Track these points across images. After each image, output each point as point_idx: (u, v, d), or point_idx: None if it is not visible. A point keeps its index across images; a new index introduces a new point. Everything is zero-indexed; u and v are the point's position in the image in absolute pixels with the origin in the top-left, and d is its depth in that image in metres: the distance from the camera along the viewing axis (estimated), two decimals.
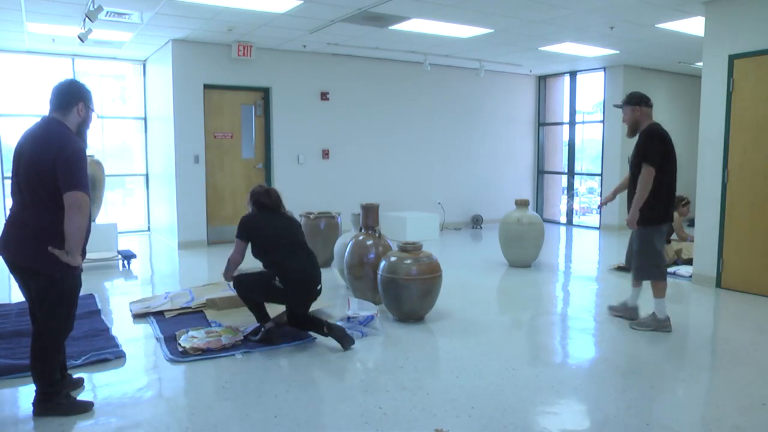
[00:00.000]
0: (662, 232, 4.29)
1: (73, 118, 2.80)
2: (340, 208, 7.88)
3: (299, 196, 8.51)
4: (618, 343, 4.01)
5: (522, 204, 6.61)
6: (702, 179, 5.71)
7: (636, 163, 4.15)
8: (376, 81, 9.11)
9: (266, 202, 4.06)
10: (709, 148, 5.64)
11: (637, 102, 4.33)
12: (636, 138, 4.29)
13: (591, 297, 5.51)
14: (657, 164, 4.04)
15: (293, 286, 3.78)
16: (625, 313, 4.49)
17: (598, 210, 4.64)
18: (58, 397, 2.83)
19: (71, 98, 2.80)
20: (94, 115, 2.93)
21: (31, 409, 2.82)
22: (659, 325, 4.20)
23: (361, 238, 4.88)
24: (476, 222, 9.99)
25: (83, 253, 2.81)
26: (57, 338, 2.85)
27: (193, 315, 4.55)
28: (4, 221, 2.80)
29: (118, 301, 5.19)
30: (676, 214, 7.09)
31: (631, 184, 4.22)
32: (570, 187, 10.60)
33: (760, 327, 4.39)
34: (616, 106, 4.61)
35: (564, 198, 10.86)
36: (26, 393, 3.15)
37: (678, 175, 4.22)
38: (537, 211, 10.44)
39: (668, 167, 4.11)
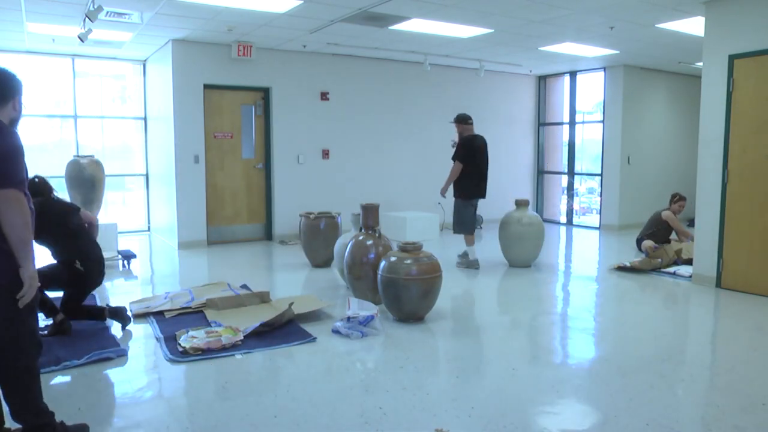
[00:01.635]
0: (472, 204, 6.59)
1: (6, 113, 2.52)
2: (340, 208, 7.88)
3: (299, 196, 8.52)
4: (618, 343, 4.01)
5: (522, 204, 6.61)
6: (702, 179, 5.71)
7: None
8: (376, 81, 9.11)
9: (39, 189, 3.97)
10: (709, 148, 5.64)
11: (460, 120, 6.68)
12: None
13: (591, 297, 5.51)
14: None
15: (93, 268, 4.06)
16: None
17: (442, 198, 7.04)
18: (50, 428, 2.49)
19: (8, 92, 2.50)
20: (23, 108, 2.66)
21: None
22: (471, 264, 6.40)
23: (361, 238, 4.88)
24: (476, 222, 9.96)
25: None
26: (27, 360, 2.41)
27: (193, 315, 4.55)
28: None
29: (118, 301, 5.18)
30: (669, 212, 7.11)
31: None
32: (570, 187, 10.60)
33: (760, 327, 4.39)
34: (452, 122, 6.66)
35: (564, 198, 10.86)
36: None
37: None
38: (537, 211, 10.43)
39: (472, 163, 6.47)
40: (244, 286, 5.38)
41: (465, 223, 6.53)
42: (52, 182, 4.23)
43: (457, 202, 6.59)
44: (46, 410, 2.51)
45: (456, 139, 6.65)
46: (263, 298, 4.87)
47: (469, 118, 6.60)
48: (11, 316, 2.33)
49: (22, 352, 2.39)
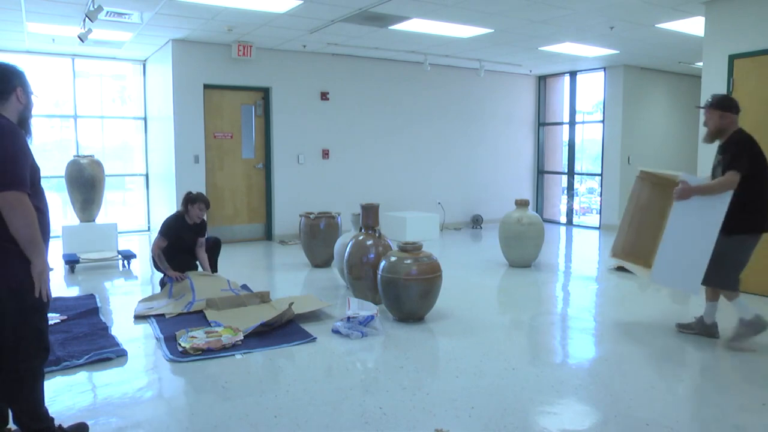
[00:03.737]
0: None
1: (12, 107, 2.38)
2: (340, 208, 7.89)
3: (299, 196, 8.52)
4: (618, 344, 4.01)
5: (522, 204, 6.61)
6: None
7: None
8: (376, 81, 9.11)
9: None
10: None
11: (727, 107, 3.95)
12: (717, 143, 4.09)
13: (591, 297, 5.51)
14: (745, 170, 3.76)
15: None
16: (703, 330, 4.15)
17: None
18: None
19: (6, 84, 2.36)
20: (34, 99, 2.50)
21: None
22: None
23: (361, 238, 4.88)
24: (476, 222, 9.99)
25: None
26: (31, 364, 2.39)
27: (194, 315, 4.55)
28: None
29: (118, 300, 5.19)
30: None
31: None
32: (570, 187, 10.60)
33: None
34: (699, 107, 4.22)
35: (564, 198, 10.86)
36: None
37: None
38: (537, 211, 10.44)
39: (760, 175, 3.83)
40: (244, 286, 5.38)
41: (737, 271, 4.02)
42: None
43: (734, 240, 3.88)
44: (47, 415, 2.50)
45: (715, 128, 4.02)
46: (263, 298, 4.88)
47: (737, 104, 4.00)
48: (20, 320, 2.32)
49: (28, 355, 2.37)
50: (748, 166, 3.76)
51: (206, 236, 5.51)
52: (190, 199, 5.30)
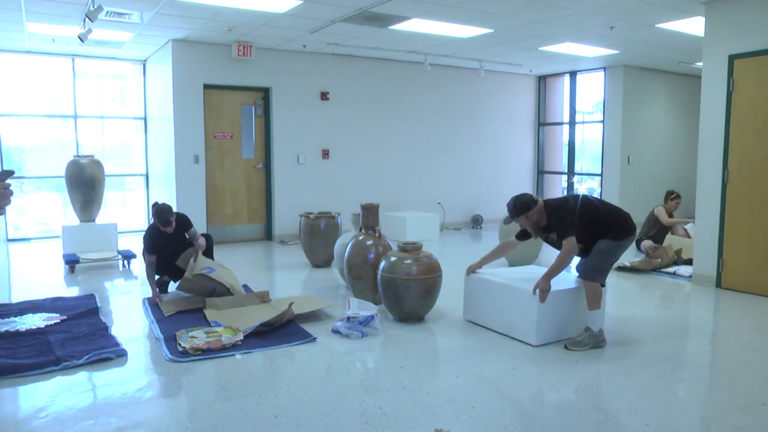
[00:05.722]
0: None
1: None
2: (340, 208, 7.88)
3: (299, 196, 8.52)
4: (618, 343, 4.01)
5: None
6: (702, 179, 5.71)
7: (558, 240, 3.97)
8: (376, 81, 9.11)
9: None
10: (709, 148, 5.64)
11: (524, 209, 3.95)
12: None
13: None
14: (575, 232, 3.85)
15: None
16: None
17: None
18: None
19: None
20: None
21: None
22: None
23: (361, 238, 4.88)
24: (476, 222, 9.99)
25: None
26: None
27: (194, 315, 4.55)
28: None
29: (118, 300, 5.19)
30: (660, 208, 7.12)
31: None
32: (570, 187, 10.60)
33: (760, 327, 4.39)
34: (507, 222, 4.21)
35: None
36: (26, 393, 3.15)
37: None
38: None
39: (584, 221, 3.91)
40: (245, 287, 5.38)
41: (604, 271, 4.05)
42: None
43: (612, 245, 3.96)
44: None
45: None
46: (263, 298, 4.88)
47: (530, 198, 4.05)
48: None
49: None
50: (573, 222, 3.86)
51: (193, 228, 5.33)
52: (154, 214, 5.04)
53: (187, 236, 5.27)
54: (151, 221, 5.14)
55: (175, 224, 5.09)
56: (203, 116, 7.91)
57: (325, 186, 8.76)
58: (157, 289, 5.07)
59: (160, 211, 4.97)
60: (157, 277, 5.20)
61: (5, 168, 2.25)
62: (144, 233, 5.27)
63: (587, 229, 3.90)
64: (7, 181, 2.11)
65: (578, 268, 4.07)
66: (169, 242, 5.11)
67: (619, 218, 4.00)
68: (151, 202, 5.85)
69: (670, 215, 7.15)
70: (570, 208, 3.92)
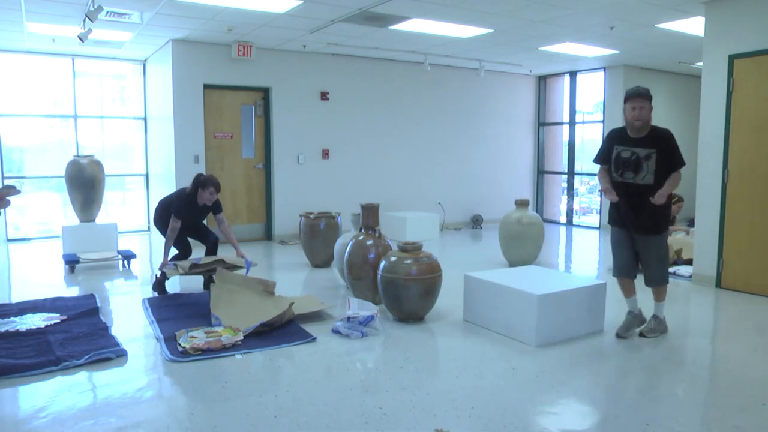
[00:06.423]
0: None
1: None
2: (340, 208, 7.88)
3: (299, 196, 8.52)
4: (618, 343, 4.01)
5: (522, 204, 6.61)
6: (702, 179, 5.71)
7: (663, 168, 3.90)
8: (376, 81, 9.11)
9: None
10: (709, 148, 5.64)
11: (650, 97, 3.95)
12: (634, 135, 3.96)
13: None
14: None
15: None
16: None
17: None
18: None
19: None
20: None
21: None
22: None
23: (361, 238, 4.88)
24: (476, 222, 9.99)
25: None
26: None
27: (194, 315, 4.53)
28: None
29: (118, 300, 5.19)
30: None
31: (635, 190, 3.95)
32: (570, 187, 10.60)
33: (760, 327, 4.39)
34: (630, 97, 3.94)
35: (564, 198, 10.86)
36: (26, 393, 3.15)
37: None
38: (537, 211, 10.45)
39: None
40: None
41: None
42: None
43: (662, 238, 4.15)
44: None
45: None
46: (267, 287, 4.81)
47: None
48: None
49: None
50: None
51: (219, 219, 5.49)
52: (200, 183, 5.22)
53: (218, 215, 5.44)
54: (187, 190, 5.28)
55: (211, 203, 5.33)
56: (203, 116, 7.91)
57: (325, 186, 8.76)
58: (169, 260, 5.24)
59: (214, 180, 5.23)
60: (157, 276, 5.25)
61: (9, 184, 2.27)
62: (171, 198, 5.39)
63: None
64: (8, 198, 2.13)
65: (651, 278, 4.09)
66: (195, 216, 5.33)
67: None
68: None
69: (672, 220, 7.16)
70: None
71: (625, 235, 4.12)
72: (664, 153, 3.91)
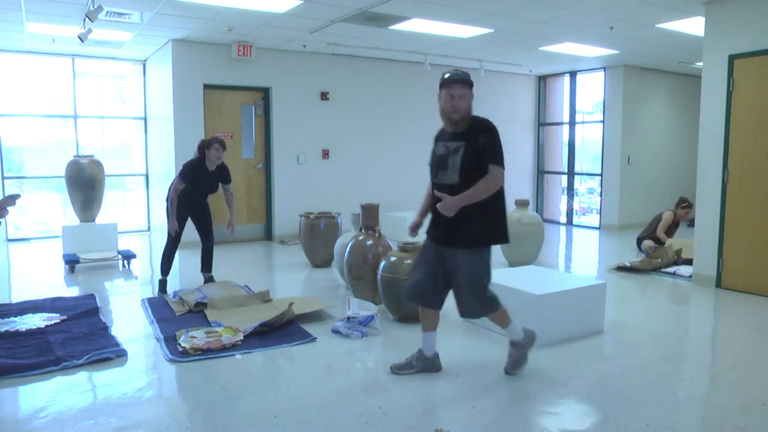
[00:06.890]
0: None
1: None
2: (340, 208, 7.88)
3: (299, 196, 8.52)
4: (618, 344, 4.01)
5: (522, 204, 6.61)
6: (702, 179, 5.71)
7: (471, 164, 3.07)
8: (376, 81, 9.11)
9: None
10: (709, 148, 5.64)
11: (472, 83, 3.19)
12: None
13: None
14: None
15: None
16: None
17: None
18: None
19: None
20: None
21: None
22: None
23: (361, 238, 4.89)
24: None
25: None
26: None
27: (194, 315, 4.55)
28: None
29: (118, 300, 5.19)
30: (669, 213, 7.12)
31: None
32: (570, 187, 10.60)
33: (760, 327, 4.39)
34: (447, 82, 3.24)
35: (564, 198, 10.86)
36: (26, 393, 3.15)
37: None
38: (537, 211, 10.44)
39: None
40: (246, 287, 5.37)
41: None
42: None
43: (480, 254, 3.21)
44: None
45: None
46: (263, 297, 4.88)
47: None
48: None
49: None
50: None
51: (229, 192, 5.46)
52: (204, 145, 5.18)
53: (227, 185, 5.42)
54: (196, 157, 5.22)
55: (219, 171, 5.29)
56: (203, 116, 7.90)
57: (325, 186, 8.75)
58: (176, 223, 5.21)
59: (217, 137, 5.21)
60: (159, 278, 5.27)
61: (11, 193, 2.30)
62: (188, 162, 5.28)
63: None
64: (8, 208, 2.15)
65: (463, 307, 3.21)
66: (202, 183, 5.27)
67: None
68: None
69: (677, 224, 7.17)
70: (500, 141, 3.13)
71: (430, 248, 3.20)
72: (474, 146, 3.09)
